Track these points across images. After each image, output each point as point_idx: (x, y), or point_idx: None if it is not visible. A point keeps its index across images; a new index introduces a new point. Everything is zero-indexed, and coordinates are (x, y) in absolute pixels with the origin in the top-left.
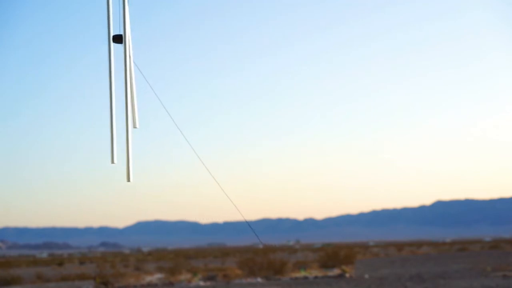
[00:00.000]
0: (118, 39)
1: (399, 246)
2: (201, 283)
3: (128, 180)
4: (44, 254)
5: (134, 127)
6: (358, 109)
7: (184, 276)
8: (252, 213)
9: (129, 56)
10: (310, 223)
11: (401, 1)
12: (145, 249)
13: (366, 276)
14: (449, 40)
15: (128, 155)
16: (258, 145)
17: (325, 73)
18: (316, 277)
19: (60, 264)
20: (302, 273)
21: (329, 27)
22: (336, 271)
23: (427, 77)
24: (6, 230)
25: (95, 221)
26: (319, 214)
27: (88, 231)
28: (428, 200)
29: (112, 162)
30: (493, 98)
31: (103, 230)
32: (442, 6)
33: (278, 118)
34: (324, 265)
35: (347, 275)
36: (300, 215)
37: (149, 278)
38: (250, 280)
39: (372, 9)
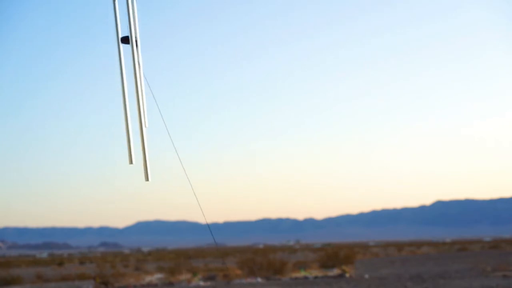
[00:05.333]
0: (125, 40)
1: (399, 246)
2: (201, 283)
3: (147, 179)
4: (44, 254)
5: (144, 126)
6: (358, 108)
7: (184, 276)
8: (252, 213)
9: (138, 62)
10: (310, 223)
11: (397, 0)
12: (145, 249)
13: (366, 276)
14: (448, 39)
15: (144, 155)
16: (259, 145)
17: (328, 71)
18: (316, 277)
19: (60, 264)
20: (302, 273)
21: (322, 28)
22: (336, 271)
23: (426, 76)
24: (6, 230)
25: (95, 221)
26: (319, 214)
27: (88, 231)
28: (428, 200)
29: (130, 162)
30: (493, 98)
31: (103, 230)
32: (439, 5)
33: (278, 117)
34: (324, 265)
35: (347, 275)
36: (300, 215)
37: (149, 278)
38: (250, 280)
39: (368, 8)
